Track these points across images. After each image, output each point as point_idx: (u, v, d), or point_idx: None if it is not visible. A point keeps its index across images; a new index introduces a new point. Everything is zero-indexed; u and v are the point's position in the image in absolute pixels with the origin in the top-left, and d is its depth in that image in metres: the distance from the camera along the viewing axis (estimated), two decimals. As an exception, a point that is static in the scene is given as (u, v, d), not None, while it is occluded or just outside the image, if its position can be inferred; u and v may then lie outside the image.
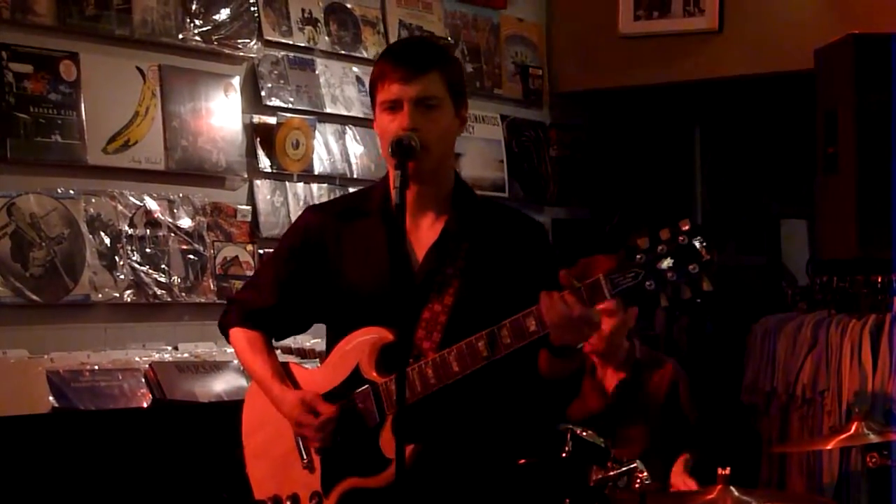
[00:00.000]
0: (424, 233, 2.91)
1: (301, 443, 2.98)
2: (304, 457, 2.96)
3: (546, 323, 2.65)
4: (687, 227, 2.55)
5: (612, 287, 2.59)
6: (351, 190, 5.14)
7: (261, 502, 3.02)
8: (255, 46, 5.06)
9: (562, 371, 2.80)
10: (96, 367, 4.17)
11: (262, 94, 5.08)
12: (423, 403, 2.72)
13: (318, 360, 4.60)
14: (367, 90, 2.99)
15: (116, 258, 4.54)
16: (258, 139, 5.05)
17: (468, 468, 2.87)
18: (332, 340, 2.99)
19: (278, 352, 4.34)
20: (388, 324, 2.83)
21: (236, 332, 3.08)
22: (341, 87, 5.37)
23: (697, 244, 2.53)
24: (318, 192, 5.22)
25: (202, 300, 4.77)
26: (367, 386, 2.86)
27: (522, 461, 3.34)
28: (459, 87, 2.92)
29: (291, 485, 2.96)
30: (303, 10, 5.27)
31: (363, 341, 2.88)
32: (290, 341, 4.69)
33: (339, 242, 2.96)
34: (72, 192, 4.45)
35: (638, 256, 2.57)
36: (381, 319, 2.84)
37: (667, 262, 2.54)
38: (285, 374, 3.03)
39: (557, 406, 3.08)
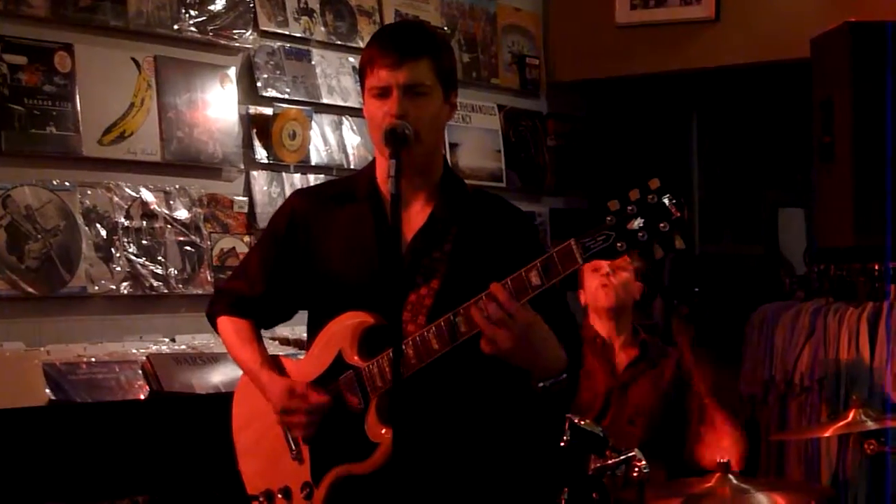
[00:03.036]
0: (413, 219, 2.89)
1: (289, 434, 2.96)
2: (293, 448, 2.94)
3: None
4: (656, 186, 2.53)
5: (583, 251, 2.57)
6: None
7: (253, 498, 3.01)
8: (251, 37, 5.02)
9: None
10: (93, 360, 4.14)
11: (259, 84, 5.05)
12: (405, 386, 2.67)
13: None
14: (359, 75, 2.95)
15: (113, 250, 4.51)
16: (254, 130, 5.02)
17: (457, 454, 2.86)
18: (315, 327, 2.96)
19: (276, 343, 4.46)
20: (373, 308, 2.81)
21: (224, 322, 3.08)
22: (338, 78, 5.35)
23: (667, 202, 2.51)
24: (315, 183, 5.06)
25: (199, 292, 4.73)
26: (350, 371, 2.84)
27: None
28: (450, 74, 2.89)
29: (282, 478, 2.95)
30: (299, 1, 5.24)
31: (344, 326, 2.86)
32: (286, 332, 4.67)
33: (325, 227, 2.95)
34: (67, 183, 4.41)
35: (608, 218, 2.55)
36: (367, 304, 2.82)
37: (637, 222, 2.52)
38: (275, 364, 3.02)
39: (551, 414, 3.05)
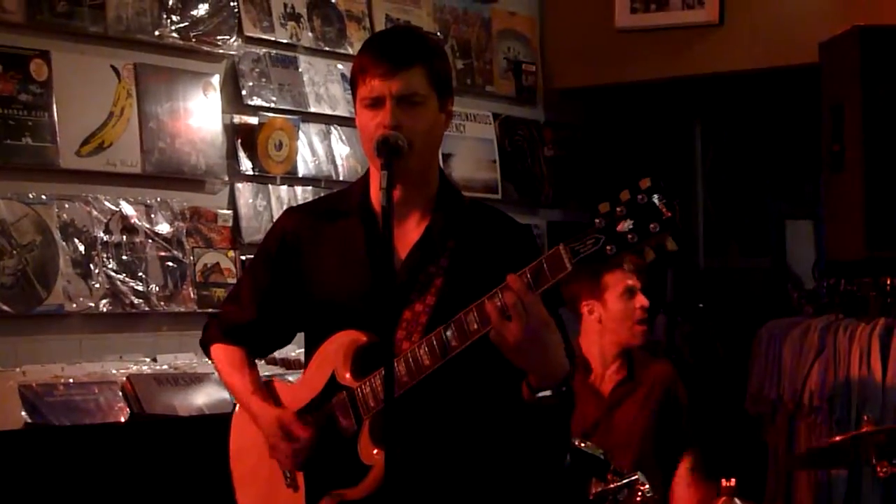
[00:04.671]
0: (408, 233, 2.84)
1: None
2: (287, 475, 2.90)
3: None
4: (646, 186, 2.47)
5: (572, 256, 2.51)
6: (336, 192, 5.15)
7: None
8: (236, 43, 5.00)
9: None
10: (71, 381, 4.10)
11: (243, 93, 5.03)
12: (400, 405, 2.61)
13: (302, 370, 4.48)
14: (350, 84, 2.90)
15: (91, 266, 4.46)
16: (239, 140, 4.99)
17: (454, 475, 2.79)
18: (311, 348, 2.92)
19: (262, 362, 4.37)
20: (367, 327, 2.76)
21: (217, 349, 3.05)
22: (326, 86, 5.32)
23: (657, 201, 2.45)
24: (303, 195, 5.17)
25: (182, 309, 4.70)
26: (342, 392, 2.79)
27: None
28: (445, 81, 2.84)
29: None
30: (285, 5, 5.21)
31: (338, 346, 2.82)
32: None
33: (317, 244, 2.91)
34: (44, 197, 4.37)
35: (597, 221, 2.49)
36: (360, 323, 2.78)
37: (627, 224, 2.46)
38: (268, 390, 2.98)
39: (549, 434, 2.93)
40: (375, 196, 2.84)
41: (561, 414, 2.73)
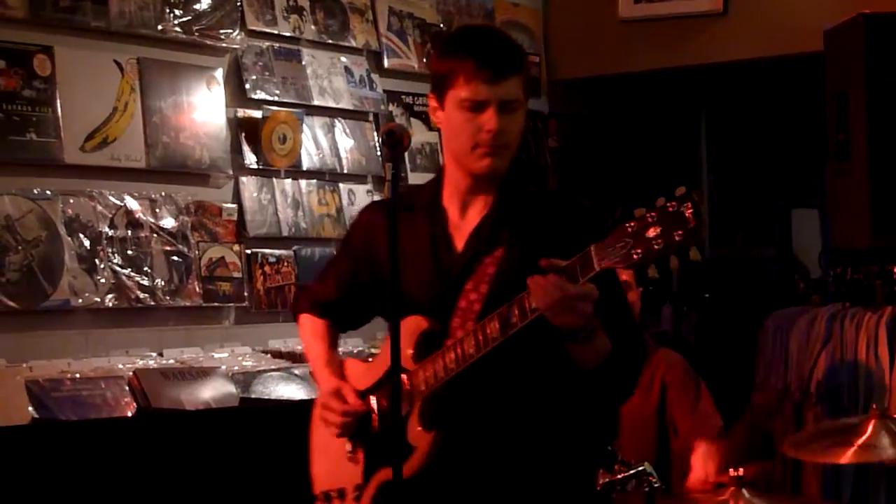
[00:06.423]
0: (469, 223, 2.91)
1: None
2: (350, 450, 3.00)
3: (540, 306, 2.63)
4: (680, 193, 2.50)
5: (601, 258, 2.56)
6: (340, 185, 5.30)
7: (314, 498, 3.11)
8: (239, 37, 5.00)
9: (586, 358, 2.74)
10: (77, 376, 4.11)
11: (247, 86, 5.03)
12: (450, 390, 2.76)
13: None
14: (436, 79, 2.89)
15: (97, 261, 4.47)
16: (243, 134, 4.99)
17: (494, 461, 2.84)
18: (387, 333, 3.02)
19: (268, 356, 4.60)
20: (429, 314, 2.87)
21: (304, 318, 3.19)
22: (329, 79, 5.31)
23: (685, 210, 2.48)
24: (307, 189, 5.19)
25: (187, 303, 4.72)
26: (403, 374, 2.86)
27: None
28: (531, 87, 3.01)
29: (340, 479, 3.02)
30: None
31: (405, 331, 2.86)
32: (279, 345, 4.75)
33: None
34: (49, 192, 4.38)
35: (630, 225, 2.54)
36: (424, 312, 2.87)
37: (655, 231, 2.50)
38: (340, 367, 3.10)
39: (603, 401, 2.97)
40: (447, 193, 2.93)
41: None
